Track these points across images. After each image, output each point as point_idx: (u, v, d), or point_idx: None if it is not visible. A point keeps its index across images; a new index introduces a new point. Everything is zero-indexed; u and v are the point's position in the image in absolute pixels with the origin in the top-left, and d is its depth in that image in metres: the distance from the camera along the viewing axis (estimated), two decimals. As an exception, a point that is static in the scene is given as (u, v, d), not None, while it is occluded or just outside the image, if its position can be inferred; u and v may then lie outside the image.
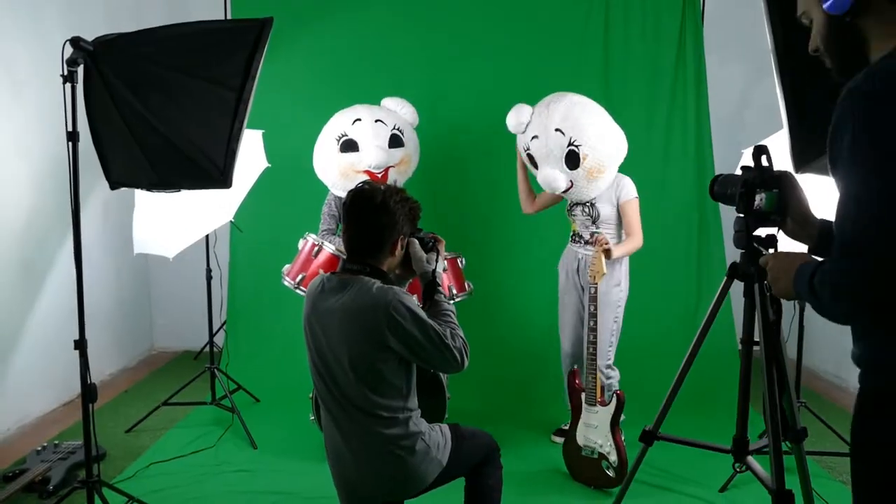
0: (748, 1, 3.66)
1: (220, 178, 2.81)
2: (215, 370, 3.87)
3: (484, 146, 4.34)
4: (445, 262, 2.26)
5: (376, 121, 3.62)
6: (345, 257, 3.35)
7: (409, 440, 2.10)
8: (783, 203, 1.76)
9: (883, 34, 1.32)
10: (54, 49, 2.60)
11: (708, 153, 4.34)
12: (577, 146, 3.21)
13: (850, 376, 4.35)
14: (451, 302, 3.34)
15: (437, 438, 2.19)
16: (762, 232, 1.91)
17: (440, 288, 2.26)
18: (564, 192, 3.32)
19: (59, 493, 2.89)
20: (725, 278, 2.14)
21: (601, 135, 3.27)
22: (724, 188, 1.99)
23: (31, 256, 3.82)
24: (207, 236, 3.88)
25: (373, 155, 3.52)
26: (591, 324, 3.12)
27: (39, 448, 3.26)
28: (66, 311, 3.78)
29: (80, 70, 2.57)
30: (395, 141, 3.66)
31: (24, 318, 3.78)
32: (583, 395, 3.13)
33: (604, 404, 3.08)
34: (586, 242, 3.39)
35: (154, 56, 2.72)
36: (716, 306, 2.20)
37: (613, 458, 3.06)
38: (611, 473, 3.07)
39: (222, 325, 4.63)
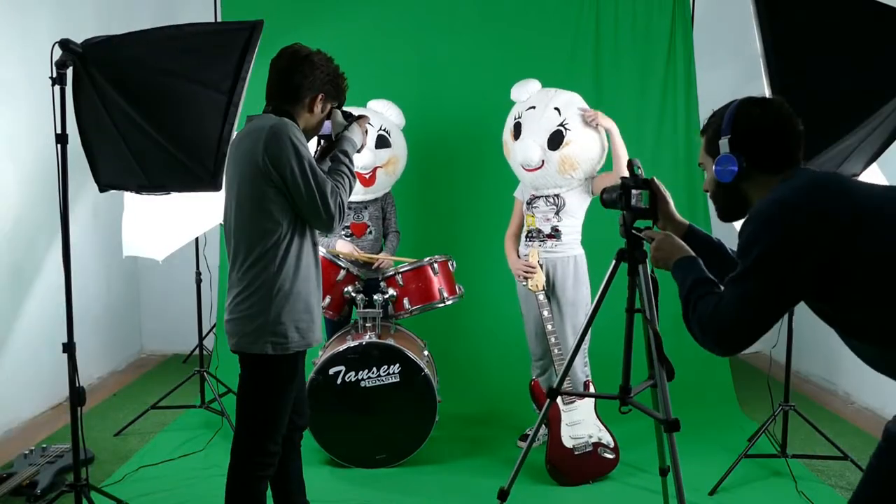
0: (737, 5, 3.68)
1: (210, 180, 2.81)
2: (205, 373, 3.85)
3: (473, 148, 4.35)
4: (365, 137, 2.44)
5: (361, 121, 3.63)
6: (338, 262, 3.38)
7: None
8: (653, 200, 2.12)
9: (759, 192, 1.65)
10: (43, 51, 2.59)
11: (697, 155, 4.35)
12: (566, 128, 3.29)
13: (840, 380, 4.38)
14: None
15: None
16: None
17: (346, 152, 2.31)
18: (532, 170, 3.33)
19: (47, 496, 2.87)
20: (613, 261, 2.37)
21: (591, 134, 3.36)
22: (609, 194, 2.31)
23: (19, 259, 3.79)
24: (197, 239, 3.87)
25: (359, 155, 3.51)
26: (550, 327, 3.23)
27: (27, 452, 3.23)
28: (54, 314, 3.75)
29: (69, 72, 2.56)
30: (382, 142, 3.67)
31: (11, 322, 3.75)
32: (559, 399, 3.15)
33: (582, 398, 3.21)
34: (546, 236, 3.41)
35: (143, 58, 2.72)
36: (606, 285, 2.41)
37: (607, 439, 3.19)
38: (609, 455, 3.18)
39: (212, 328, 4.61)
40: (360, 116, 2.43)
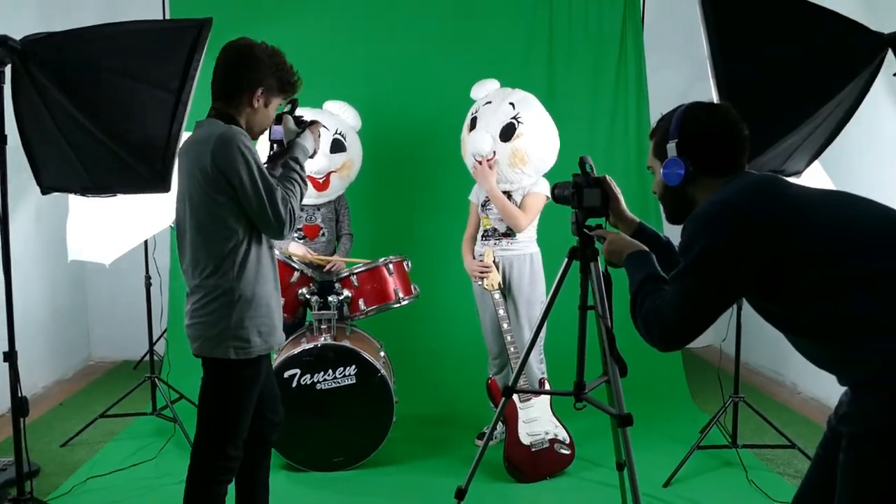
0: (686, 8, 3.75)
1: (159, 181, 2.76)
2: (156, 380, 3.76)
3: (427, 149, 4.35)
4: (318, 142, 2.41)
5: (316, 126, 3.58)
6: (292, 263, 3.34)
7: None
8: (604, 198, 2.16)
9: (705, 195, 1.68)
10: (-20, 48, 2.50)
11: (648, 154, 4.43)
12: (518, 121, 3.34)
13: (787, 371, 4.51)
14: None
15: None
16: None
17: (298, 158, 2.29)
18: (480, 162, 3.35)
19: (-10, 511, 2.78)
20: (566, 259, 2.40)
21: (542, 129, 3.42)
22: (561, 192, 2.34)
23: (-43, 265, 3.65)
24: (146, 242, 3.78)
25: (314, 160, 3.48)
26: (506, 325, 3.27)
27: (-32, 465, 3.12)
28: (-5, 321, 3.63)
29: (8, 70, 2.48)
30: (337, 146, 3.64)
31: (-51, 330, 3.61)
32: (515, 397, 3.17)
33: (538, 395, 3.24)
34: (502, 235, 3.45)
35: (87, 56, 2.65)
36: (558, 283, 2.43)
37: (563, 435, 3.23)
38: (566, 451, 3.22)
39: (163, 333, 4.51)
40: (313, 122, 2.41)
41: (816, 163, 3.13)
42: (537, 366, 3.43)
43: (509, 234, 3.44)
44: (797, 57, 2.76)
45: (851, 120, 2.92)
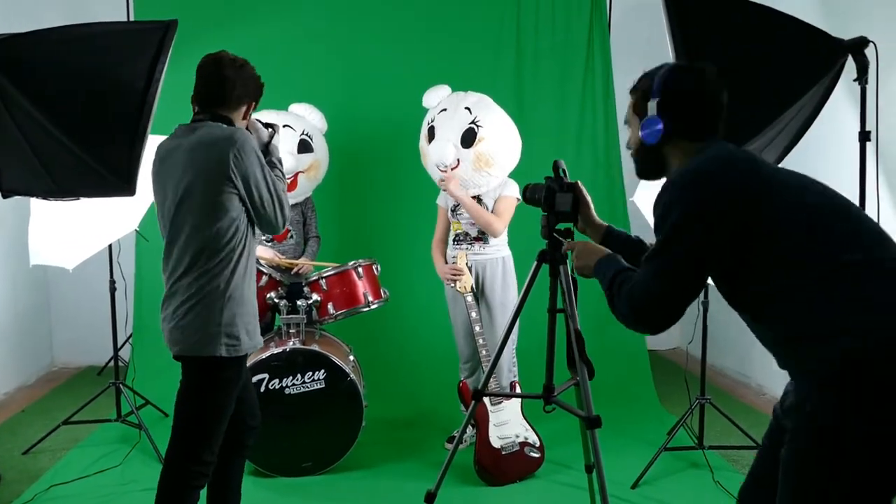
0: (652, 13, 3.80)
1: (124, 185, 2.72)
2: (121, 385, 3.70)
3: (395, 153, 4.34)
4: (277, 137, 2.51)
5: (284, 126, 3.56)
6: (260, 267, 3.31)
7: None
8: (574, 204, 2.18)
9: (679, 156, 1.74)
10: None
11: (616, 157, 4.49)
12: (477, 126, 3.34)
13: (753, 373, 4.57)
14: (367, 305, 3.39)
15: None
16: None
17: (280, 159, 2.40)
18: (445, 171, 3.36)
19: (-53, 522, 2.71)
20: (535, 262, 2.40)
21: (503, 129, 3.42)
22: (532, 194, 2.37)
23: (-87, 269, 3.56)
24: (111, 246, 3.72)
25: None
26: (478, 328, 3.28)
27: (-76, 475, 3.04)
28: (-46, 327, 3.54)
29: (-33, 71, 2.43)
30: (304, 146, 3.62)
31: None
32: (486, 400, 3.18)
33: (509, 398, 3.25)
34: (474, 239, 3.45)
35: (50, 58, 2.61)
36: (528, 286, 2.44)
37: (533, 438, 3.24)
38: (535, 454, 3.23)
39: (128, 338, 4.44)
40: (272, 124, 2.46)
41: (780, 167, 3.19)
42: (510, 368, 3.44)
43: (481, 237, 3.45)
44: (759, 62, 2.81)
45: (813, 124, 2.98)
